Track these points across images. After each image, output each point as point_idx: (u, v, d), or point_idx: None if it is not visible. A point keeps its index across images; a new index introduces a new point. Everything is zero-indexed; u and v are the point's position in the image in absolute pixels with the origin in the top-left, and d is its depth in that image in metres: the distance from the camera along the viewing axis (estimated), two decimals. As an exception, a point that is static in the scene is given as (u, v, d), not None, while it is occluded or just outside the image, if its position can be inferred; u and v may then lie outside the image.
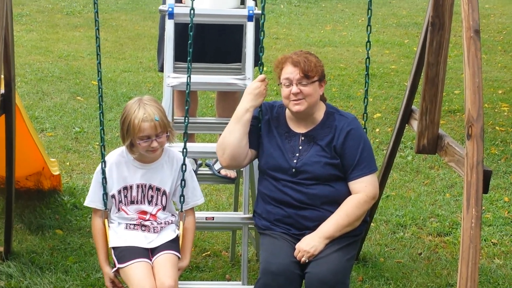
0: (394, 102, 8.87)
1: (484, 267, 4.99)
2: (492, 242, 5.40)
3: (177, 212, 3.98)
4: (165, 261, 3.79)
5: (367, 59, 4.19)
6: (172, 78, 4.33)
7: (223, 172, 4.85)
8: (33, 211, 5.56)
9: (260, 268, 3.76)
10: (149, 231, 3.88)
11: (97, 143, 7.10)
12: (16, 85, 4.66)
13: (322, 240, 3.76)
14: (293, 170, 3.87)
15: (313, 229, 3.81)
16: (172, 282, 3.70)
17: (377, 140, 7.47)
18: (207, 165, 5.07)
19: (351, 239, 3.85)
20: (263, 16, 4.06)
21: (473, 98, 3.36)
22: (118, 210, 3.90)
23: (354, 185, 3.86)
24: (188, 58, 3.96)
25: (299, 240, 3.81)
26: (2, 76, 4.35)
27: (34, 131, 5.40)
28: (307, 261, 3.72)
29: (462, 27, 3.49)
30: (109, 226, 3.91)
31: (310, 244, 3.74)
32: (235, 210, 5.12)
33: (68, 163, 6.64)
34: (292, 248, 3.79)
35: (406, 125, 4.66)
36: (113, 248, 3.85)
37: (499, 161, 7.00)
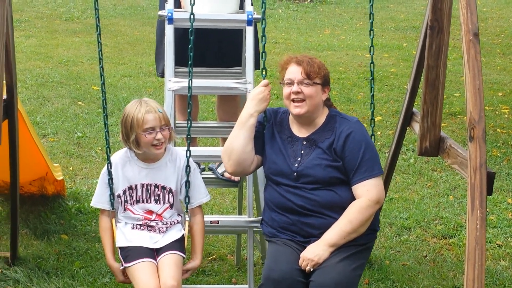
0: (394, 105, 8.89)
1: (489, 269, 5.00)
2: (497, 244, 5.41)
3: (183, 211, 4.01)
4: (169, 261, 3.82)
5: (371, 64, 4.19)
6: (173, 83, 4.35)
7: (226, 174, 4.86)
8: (38, 217, 5.58)
9: (262, 274, 3.74)
10: (154, 231, 3.91)
11: (99, 148, 7.12)
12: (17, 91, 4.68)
13: (327, 248, 3.70)
14: (295, 174, 3.84)
15: (318, 236, 3.77)
16: (175, 282, 3.72)
17: (378, 143, 7.49)
18: (210, 169, 5.09)
19: (358, 247, 3.77)
20: (263, 21, 4.09)
21: (474, 100, 3.38)
22: (124, 209, 3.93)
23: (356, 189, 3.79)
24: (189, 62, 3.98)
25: (304, 247, 3.77)
26: (4, 81, 4.37)
27: (37, 136, 5.42)
28: (311, 269, 3.67)
29: (461, 30, 3.51)
30: (116, 225, 3.95)
31: (314, 252, 3.69)
32: (240, 213, 5.13)
33: (71, 168, 6.66)
34: (296, 255, 3.75)
35: (408, 127, 4.68)
36: (120, 248, 3.89)
37: (501, 163, 7.02)
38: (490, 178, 3.41)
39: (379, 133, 7.82)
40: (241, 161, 3.91)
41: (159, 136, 3.80)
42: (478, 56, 3.43)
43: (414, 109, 4.59)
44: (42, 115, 8.14)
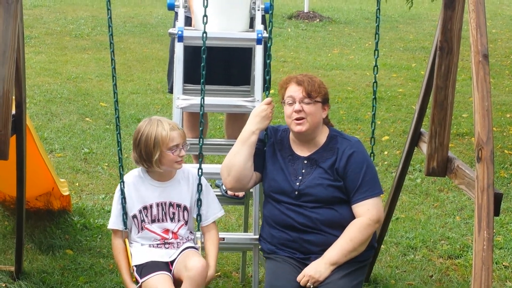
0: (402, 125, 8.89)
1: (495, 290, 4.99)
2: (503, 265, 5.38)
3: (195, 230, 4.02)
4: (188, 253, 3.83)
5: (375, 83, 4.21)
6: (182, 100, 4.36)
7: (230, 192, 4.87)
8: (43, 231, 5.58)
9: None
10: (171, 248, 3.91)
11: (106, 164, 7.13)
12: (25, 106, 4.70)
13: (328, 266, 3.73)
14: (296, 192, 3.86)
15: (318, 253, 3.80)
16: (199, 263, 3.68)
17: (385, 163, 7.48)
18: (217, 186, 5.08)
19: (357, 264, 3.82)
20: (270, 39, 4.11)
21: (482, 121, 3.38)
22: (142, 229, 3.92)
23: (356, 208, 3.83)
24: (202, 80, 4.00)
25: (304, 264, 3.80)
26: (14, 97, 4.38)
27: (44, 151, 5.43)
28: (311, 286, 3.69)
29: (471, 51, 3.51)
30: (130, 246, 3.94)
31: (315, 269, 3.72)
32: (245, 231, 5.12)
33: (77, 184, 6.67)
34: (296, 272, 3.77)
35: (415, 147, 4.67)
36: (135, 266, 3.87)
37: (508, 184, 7.00)
38: (498, 199, 3.39)
39: (386, 152, 7.81)
40: (241, 177, 3.93)
41: (183, 152, 3.84)
42: (487, 77, 3.43)
43: (422, 129, 4.59)
44: (50, 130, 8.16)
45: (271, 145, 4.01)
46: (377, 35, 4.18)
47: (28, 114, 6.05)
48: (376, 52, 4.20)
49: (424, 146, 4.39)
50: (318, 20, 17.68)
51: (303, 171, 3.90)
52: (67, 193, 5.76)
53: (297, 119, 3.85)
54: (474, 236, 3.28)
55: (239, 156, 3.92)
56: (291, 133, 3.98)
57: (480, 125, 3.37)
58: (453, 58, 4.06)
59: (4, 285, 4.79)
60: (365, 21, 18.03)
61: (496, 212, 3.37)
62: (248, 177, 3.95)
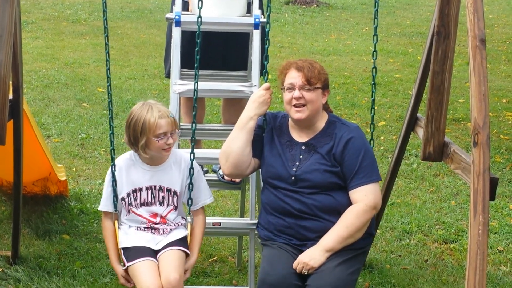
0: (398, 110, 8.90)
1: (490, 274, 5.00)
2: (498, 250, 5.41)
3: (186, 214, 4.02)
4: (171, 256, 3.83)
5: (374, 69, 4.19)
6: (179, 85, 4.37)
7: (227, 177, 4.88)
8: (40, 216, 5.59)
9: (258, 278, 3.74)
10: (158, 234, 3.93)
11: (103, 149, 7.14)
12: (23, 91, 4.70)
13: (323, 253, 3.71)
14: (293, 178, 3.85)
15: (314, 239, 3.78)
16: (177, 275, 3.71)
17: (382, 148, 7.49)
18: (214, 171, 5.10)
19: (354, 252, 3.78)
20: (268, 25, 4.10)
21: (479, 106, 3.38)
22: (129, 212, 3.94)
23: (353, 194, 3.80)
24: (196, 65, 3.99)
25: (300, 250, 3.78)
26: (11, 82, 4.38)
27: (42, 137, 5.43)
28: (306, 273, 3.68)
29: (468, 36, 3.51)
30: (119, 228, 3.96)
31: (310, 256, 3.70)
32: (241, 216, 5.14)
33: (74, 169, 6.68)
34: (292, 259, 3.75)
35: (412, 132, 4.68)
36: (123, 249, 3.90)
37: (504, 169, 7.02)
38: (493, 183, 3.41)
39: (382, 138, 7.82)
40: (238, 163, 3.92)
41: (170, 141, 3.82)
42: (484, 62, 3.43)
43: (418, 114, 4.60)
44: (47, 116, 8.16)
45: (270, 131, 4.00)
46: (375, 20, 4.14)
47: (25, 99, 6.04)
48: (375, 37, 4.17)
49: (420, 131, 4.40)
50: (315, 5, 17.64)
51: (301, 156, 3.88)
52: (64, 178, 5.76)
53: (296, 105, 3.84)
54: (469, 220, 3.30)
55: (237, 142, 3.91)
56: (290, 118, 3.97)
57: (477, 110, 3.37)
58: (450, 43, 4.07)
59: (0, 270, 4.81)
60: (362, 7, 17.99)
61: (492, 197, 3.38)
62: (246, 163, 3.95)
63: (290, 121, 3.98)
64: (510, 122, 8.57)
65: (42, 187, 5.90)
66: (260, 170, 4.08)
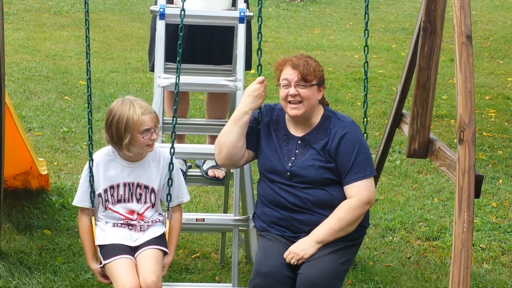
0: (382, 106, 8.90)
1: (473, 272, 5.00)
2: (480, 247, 5.42)
3: (164, 211, 3.98)
4: (149, 256, 3.79)
5: (366, 63, 4.19)
6: (163, 79, 4.33)
7: (210, 173, 4.85)
8: (21, 211, 5.53)
9: (252, 269, 3.79)
10: (135, 230, 3.88)
11: (85, 143, 7.07)
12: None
13: (314, 244, 3.76)
14: (288, 173, 3.87)
15: (307, 232, 3.82)
16: (155, 277, 3.69)
17: (365, 144, 7.48)
18: (197, 166, 5.06)
19: (345, 243, 3.82)
20: (259, 18, 4.07)
21: (465, 103, 3.38)
22: (105, 208, 3.89)
23: (348, 189, 3.83)
24: (178, 59, 3.96)
25: (294, 242, 3.82)
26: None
27: (23, 130, 5.36)
28: (296, 263, 3.72)
29: (454, 32, 3.50)
30: (96, 224, 3.91)
31: (301, 247, 3.75)
32: (225, 212, 5.11)
33: (56, 163, 6.61)
34: (285, 250, 3.79)
35: (397, 129, 4.67)
36: (99, 246, 3.85)
37: (486, 167, 7.04)
38: (478, 181, 3.41)
39: (365, 134, 7.80)
40: (231, 155, 3.95)
41: (154, 136, 3.79)
42: (470, 58, 3.43)
43: (403, 111, 4.59)
44: (28, 109, 8.08)
45: (267, 124, 4.01)
46: (366, 15, 4.11)
47: (6, 92, 5.96)
48: (366, 32, 4.14)
49: (405, 128, 4.39)
50: (299, 0, 17.61)
51: (297, 151, 3.91)
52: (45, 172, 5.71)
53: (292, 102, 3.84)
54: (454, 218, 3.30)
55: (230, 135, 3.92)
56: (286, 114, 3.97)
57: (463, 107, 3.36)
58: (437, 39, 4.06)
59: (-19, 264, 4.75)
60: (346, 2, 17.98)
61: (477, 194, 3.38)
62: (239, 155, 3.97)
63: (287, 115, 3.99)
64: (493, 119, 8.59)
65: (23, 181, 5.83)
66: (245, 166, 4.11)
